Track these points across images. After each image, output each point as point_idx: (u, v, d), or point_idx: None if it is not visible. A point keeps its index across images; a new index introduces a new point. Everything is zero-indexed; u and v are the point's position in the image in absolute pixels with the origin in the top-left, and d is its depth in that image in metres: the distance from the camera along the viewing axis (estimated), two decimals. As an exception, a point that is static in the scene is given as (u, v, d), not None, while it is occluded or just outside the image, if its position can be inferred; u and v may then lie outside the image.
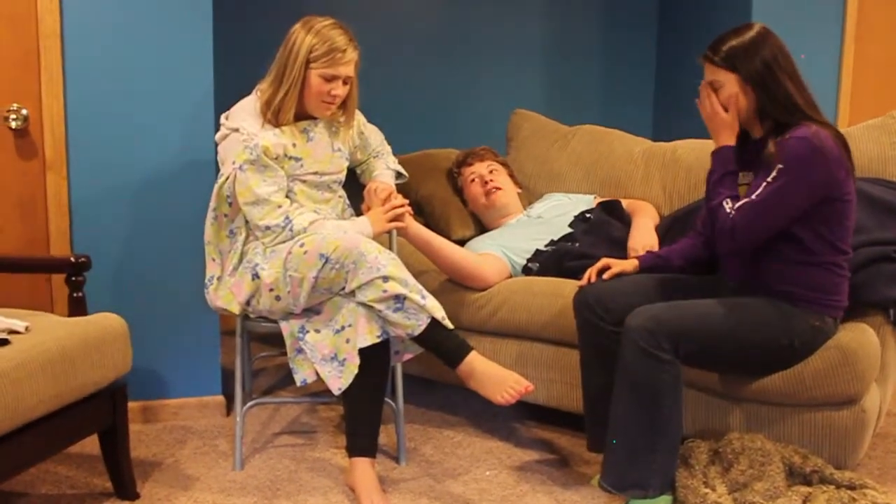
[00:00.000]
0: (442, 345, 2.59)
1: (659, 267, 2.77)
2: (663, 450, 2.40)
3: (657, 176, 3.55)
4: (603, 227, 3.29)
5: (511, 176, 3.63)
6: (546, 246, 3.25)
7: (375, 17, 4.72)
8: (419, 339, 2.57)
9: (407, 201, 2.90)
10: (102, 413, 2.49)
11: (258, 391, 3.56)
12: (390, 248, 3.00)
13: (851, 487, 2.42)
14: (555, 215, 3.42)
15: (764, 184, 2.38)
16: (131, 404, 2.75)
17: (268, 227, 2.67)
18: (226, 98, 2.96)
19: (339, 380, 2.58)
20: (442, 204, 3.58)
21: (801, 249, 2.47)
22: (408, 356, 2.82)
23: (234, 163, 2.67)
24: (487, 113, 4.79)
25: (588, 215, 3.36)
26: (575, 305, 2.69)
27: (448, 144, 3.96)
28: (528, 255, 3.24)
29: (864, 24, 4.57)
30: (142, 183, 3.05)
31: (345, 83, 2.74)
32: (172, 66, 3.03)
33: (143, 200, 3.06)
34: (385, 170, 3.05)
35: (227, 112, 2.81)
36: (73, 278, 2.59)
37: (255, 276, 2.67)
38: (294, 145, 2.75)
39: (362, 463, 2.63)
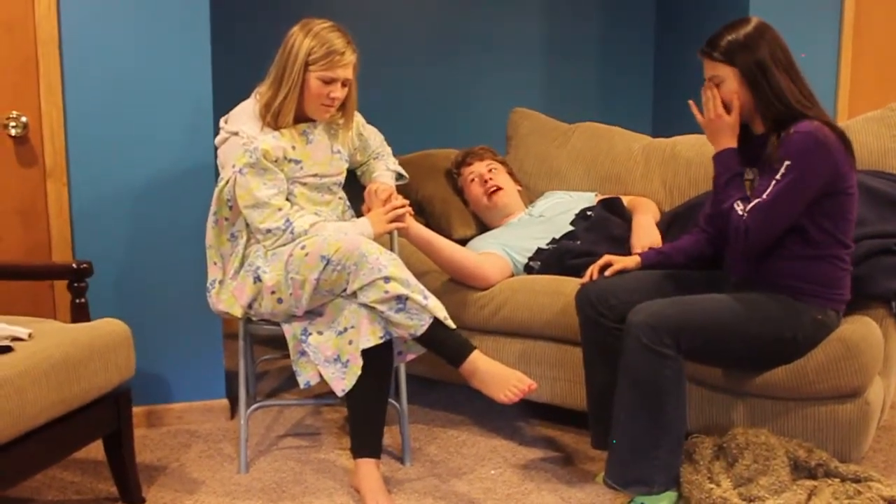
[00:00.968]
0: (445, 344, 2.59)
1: (661, 263, 2.77)
2: (667, 446, 2.40)
3: (657, 172, 3.56)
4: (604, 225, 3.29)
5: (511, 174, 3.63)
6: (548, 244, 3.25)
7: (374, 19, 4.73)
8: (422, 340, 2.58)
9: (407, 202, 2.90)
10: (107, 418, 2.49)
11: (262, 394, 3.56)
12: (391, 249, 3.00)
13: (856, 480, 2.42)
14: (556, 213, 3.42)
15: (773, 182, 2.38)
16: (135, 409, 2.76)
17: (269, 231, 2.68)
18: (225, 102, 2.96)
19: (343, 381, 2.58)
20: (442, 204, 3.58)
21: (804, 243, 2.47)
22: (411, 356, 2.82)
23: (233, 166, 2.68)
24: (487, 112, 4.80)
25: (589, 213, 3.36)
26: (577, 303, 2.69)
27: (448, 144, 3.96)
28: (530, 254, 3.24)
29: (862, 18, 4.57)
30: (142, 188, 3.06)
31: (343, 85, 2.74)
32: (171, 71, 3.03)
33: (144, 205, 3.07)
34: (385, 171, 3.05)
35: (226, 116, 2.81)
36: (76, 284, 2.59)
37: (257, 279, 2.67)
38: (293, 148, 2.75)
39: (367, 464, 2.63)
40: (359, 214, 2.95)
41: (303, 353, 2.68)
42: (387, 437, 2.94)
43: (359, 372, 2.56)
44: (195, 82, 3.06)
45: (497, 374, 2.56)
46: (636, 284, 2.63)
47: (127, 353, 2.50)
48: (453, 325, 2.60)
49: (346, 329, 2.59)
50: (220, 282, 2.80)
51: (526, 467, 2.85)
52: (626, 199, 3.46)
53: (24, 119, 2.94)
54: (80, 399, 2.34)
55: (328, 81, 2.70)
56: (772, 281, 2.52)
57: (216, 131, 2.83)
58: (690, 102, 2.60)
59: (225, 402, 3.26)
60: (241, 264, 2.76)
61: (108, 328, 2.48)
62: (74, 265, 2.59)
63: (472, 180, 3.55)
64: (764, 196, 2.39)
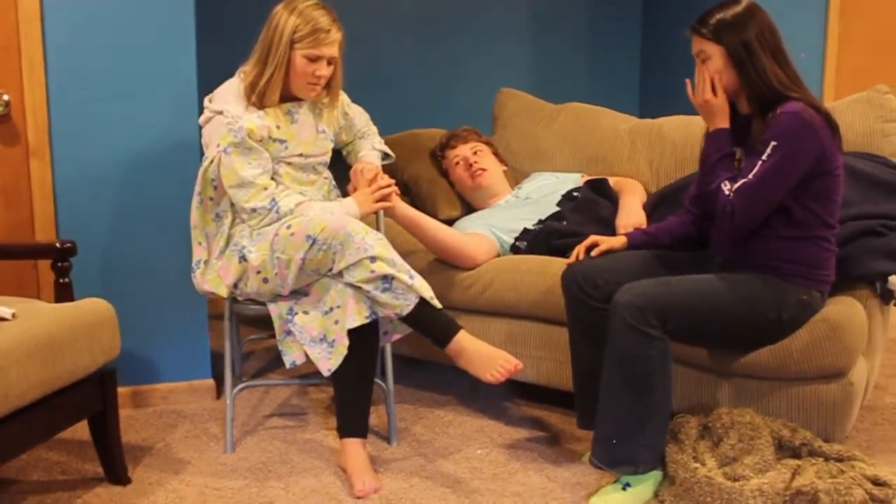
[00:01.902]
0: (431, 324, 2.59)
1: (647, 244, 2.78)
2: (653, 425, 2.40)
3: (644, 153, 3.55)
4: (590, 206, 3.29)
5: (496, 155, 3.62)
6: (534, 225, 3.25)
7: (359, -3, 4.70)
8: (408, 319, 2.57)
9: (393, 181, 2.90)
10: (92, 398, 2.49)
11: (248, 374, 3.55)
12: (377, 229, 3.00)
13: (840, 460, 2.43)
14: (543, 195, 3.42)
15: (759, 162, 2.38)
16: (121, 389, 2.75)
17: (254, 210, 2.67)
18: (209, 81, 2.94)
19: (329, 361, 2.58)
20: (428, 184, 3.57)
21: (789, 224, 2.47)
22: (397, 336, 2.82)
23: (218, 146, 2.66)
24: (473, 92, 4.79)
25: (575, 194, 3.36)
26: (563, 283, 2.69)
27: (434, 124, 3.95)
28: (516, 235, 3.24)
29: (849, -1, 4.57)
30: (126, 167, 3.04)
31: (329, 63, 2.73)
32: (154, 49, 3.01)
33: (128, 185, 3.05)
34: (371, 150, 3.04)
35: (210, 95, 2.79)
36: (59, 264, 2.57)
37: (243, 258, 2.66)
38: (278, 127, 2.74)
39: (353, 443, 2.63)
40: (345, 194, 2.94)
41: (288, 332, 2.67)
42: (373, 417, 2.94)
43: (345, 352, 2.56)
44: (179, 61, 3.03)
45: (483, 354, 2.56)
46: (622, 265, 2.64)
47: (112, 333, 2.49)
48: (439, 305, 2.59)
49: (331, 309, 2.58)
50: (206, 262, 2.79)
51: (512, 447, 2.86)
52: (612, 181, 3.46)
53: (6, 97, 2.91)
54: (65, 379, 2.33)
55: (314, 59, 2.68)
56: (757, 261, 2.52)
57: (201, 110, 2.81)
58: (687, 81, 2.59)
59: (211, 382, 3.25)
60: (227, 244, 2.75)
61: (92, 308, 2.47)
62: (58, 244, 2.58)
63: (457, 163, 3.54)
64: (750, 177, 2.39)
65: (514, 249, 3.23)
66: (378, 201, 2.83)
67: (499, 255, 3.23)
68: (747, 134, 2.50)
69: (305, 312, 2.65)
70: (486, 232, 3.23)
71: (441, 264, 3.16)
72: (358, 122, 3.07)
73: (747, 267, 2.53)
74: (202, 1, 3.20)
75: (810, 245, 2.50)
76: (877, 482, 2.33)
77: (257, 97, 2.70)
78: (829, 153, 2.43)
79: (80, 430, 2.72)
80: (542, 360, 3.02)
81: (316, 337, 2.60)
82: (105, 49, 2.97)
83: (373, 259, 2.49)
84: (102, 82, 2.98)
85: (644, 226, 3.09)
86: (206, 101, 2.78)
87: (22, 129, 2.95)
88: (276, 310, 2.69)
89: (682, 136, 3.46)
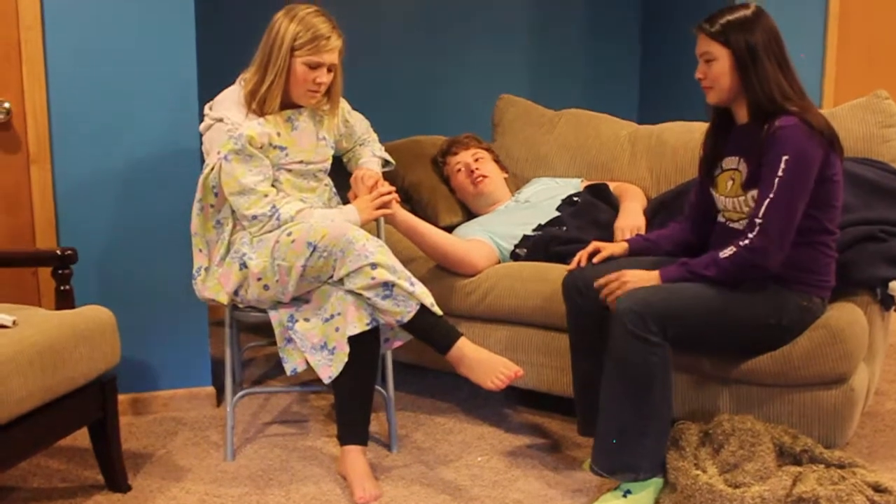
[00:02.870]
0: (431, 331, 2.59)
1: (648, 250, 2.78)
2: (654, 432, 2.40)
3: (644, 158, 3.56)
4: (590, 211, 3.29)
5: (496, 161, 3.62)
6: (534, 231, 3.25)
7: (359, 4, 4.70)
8: (408, 326, 2.57)
9: (394, 188, 2.90)
10: (92, 406, 2.49)
11: (248, 381, 3.55)
12: (378, 236, 2.99)
13: (841, 466, 2.43)
14: (542, 199, 3.42)
15: (776, 178, 2.37)
16: (121, 397, 2.75)
17: (254, 217, 2.67)
18: (210, 88, 2.94)
19: (330, 368, 2.58)
20: (429, 191, 3.57)
21: (789, 230, 2.47)
22: (397, 343, 2.82)
23: (219, 153, 2.66)
24: (473, 98, 4.78)
25: (575, 199, 3.36)
26: (564, 289, 2.69)
27: (434, 131, 3.95)
28: (516, 241, 3.24)
29: (849, 4, 4.57)
30: (127, 174, 3.04)
31: (329, 70, 2.73)
32: (155, 56, 3.01)
33: (129, 192, 3.05)
34: (371, 157, 3.04)
35: (210, 102, 2.80)
36: (60, 271, 2.57)
37: (243, 265, 2.66)
38: (279, 134, 2.74)
39: (354, 451, 2.63)
40: (345, 201, 2.94)
41: (289, 340, 2.67)
42: (373, 425, 2.94)
43: (345, 359, 2.56)
44: (180, 68, 3.04)
45: (484, 360, 2.56)
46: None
47: (112, 341, 2.49)
48: (440, 312, 2.59)
49: (332, 316, 2.58)
50: (206, 269, 2.79)
51: (512, 454, 2.86)
52: (612, 186, 3.46)
53: (6, 105, 2.91)
54: (66, 386, 2.33)
55: (314, 66, 2.68)
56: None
57: (201, 118, 2.82)
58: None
59: (211, 389, 3.25)
60: (227, 251, 2.75)
61: (92, 315, 2.47)
62: (59, 252, 2.58)
63: (459, 170, 3.54)
64: (771, 195, 2.38)
65: (514, 256, 3.23)
66: (378, 208, 2.83)
67: (499, 262, 3.22)
68: (744, 143, 2.51)
69: (306, 320, 2.65)
70: (486, 238, 3.23)
71: (441, 271, 3.16)
72: (358, 129, 3.07)
73: (748, 273, 2.53)
74: (203, 8, 3.20)
75: (811, 251, 2.50)
76: (878, 489, 2.33)
77: (258, 104, 2.70)
78: (830, 159, 2.43)
79: (81, 438, 2.72)
80: (542, 366, 3.02)
81: (317, 344, 2.60)
82: (105, 56, 2.97)
83: (373, 266, 2.49)
84: (103, 89, 2.98)
85: (643, 230, 3.09)
86: (206, 109, 2.79)
87: (23, 136, 2.95)
88: (276, 317, 2.69)
89: (682, 142, 3.46)
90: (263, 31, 2.71)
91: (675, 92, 4.72)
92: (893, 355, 3.67)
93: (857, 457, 2.49)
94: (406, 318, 2.54)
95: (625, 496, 2.43)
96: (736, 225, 2.55)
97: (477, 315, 3.12)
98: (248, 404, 3.28)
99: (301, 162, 2.80)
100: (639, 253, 2.77)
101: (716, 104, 2.57)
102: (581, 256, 2.76)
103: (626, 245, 2.79)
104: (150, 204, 3.06)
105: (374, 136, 3.13)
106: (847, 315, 2.56)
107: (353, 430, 2.65)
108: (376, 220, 2.95)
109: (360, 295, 2.53)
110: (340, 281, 2.55)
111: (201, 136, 2.80)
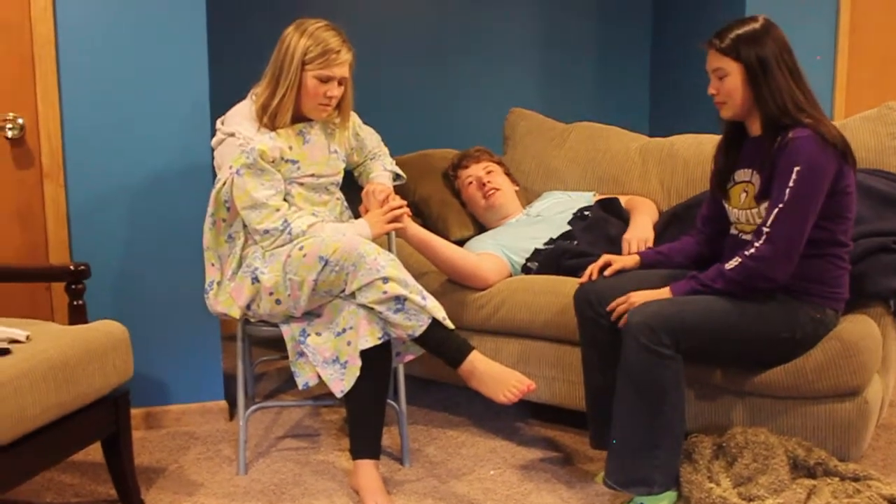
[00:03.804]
0: (443, 345, 2.59)
1: (660, 263, 2.77)
2: (667, 446, 2.39)
3: (655, 171, 3.55)
4: (601, 225, 3.29)
5: (508, 175, 3.63)
6: (545, 244, 3.25)
7: (368, 18, 4.72)
8: (420, 340, 2.57)
9: (405, 202, 2.90)
10: (105, 420, 2.49)
11: (260, 395, 3.55)
12: (389, 250, 3.00)
13: (856, 479, 2.42)
14: (554, 213, 3.42)
15: (787, 189, 2.36)
16: (134, 411, 2.75)
17: (266, 231, 2.67)
18: (221, 103, 2.96)
19: (342, 382, 2.58)
20: (440, 205, 3.57)
21: (802, 242, 2.47)
22: (409, 357, 2.82)
23: (231, 167, 2.67)
24: (484, 111, 4.80)
25: (586, 213, 3.36)
26: (576, 303, 2.69)
27: (445, 144, 3.96)
28: (528, 255, 3.24)
29: (859, 15, 4.57)
30: (139, 189, 3.05)
31: (340, 84, 2.74)
32: (167, 72, 3.03)
33: (141, 207, 3.06)
34: (382, 171, 3.05)
35: (222, 117, 2.81)
36: (73, 286, 2.58)
37: (255, 280, 2.67)
38: (290, 148, 2.75)
39: (366, 465, 2.63)
40: (356, 215, 2.95)
41: (301, 354, 2.67)
42: (386, 438, 2.94)
43: (357, 373, 2.56)
44: (192, 83, 3.05)
45: (496, 374, 2.56)
46: (635, 284, 2.63)
47: (125, 355, 2.50)
48: (452, 326, 2.59)
49: (344, 330, 2.59)
50: (218, 283, 2.80)
51: (525, 468, 2.85)
52: (624, 199, 3.46)
53: (20, 121, 2.94)
54: (79, 401, 2.33)
55: (325, 80, 2.69)
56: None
57: (213, 132, 2.83)
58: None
59: (223, 403, 3.25)
60: (239, 265, 2.76)
61: (105, 330, 2.48)
62: (72, 267, 2.59)
63: (470, 183, 3.54)
64: (782, 205, 2.37)
65: (526, 270, 3.23)
66: (390, 222, 2.84)
67: (510, 276, 3.22)
68: (757, 155, 2.50)
69: (318, 334, 2.65)
70: (497, 252, 3.23)
71: (453, 285, 3.16)
72: (369, 143, 3.08)
73: (760, 286, 2.53)
74: (215, 24, 3.22)
75: (824, 263, 2.50)
76: (894, 501, 2.32)
77: (269, 118, 2.72)
78: (843, 171, 2.43)
79: (94, 453, 2.72)
80: (554, 380, 3.01)
81: (329, 358, 2.60)
82: (118, 72, 2.99)
83: (385, 280, 2.50)
84: (116, 106, 3.00)
85: (651, 241, 3.08)
86: (218, 124, 2.80)
87: (36, 151, 2.96)
88: (288, 331, 2.70)
89: (693, 154, 3.46)
90: (274, 46, 2.72)
91: (685, 104, 4.73)
92: (907, 367, 3.65)
93: (872, 469, 2.48)
94: (418, 332, 2.54)
95: (638, 510, 2.43)
96: (748, 237, 2.54)
97: (489, 328, 3.12)
98: (261, 418, 3.29)
99: (313, 175, 2.81)
100: (651, 266, 2.76)
101: (730, 118, 2.57)
102: (592, 270, 2.76)
103: (637, 258, 2.78)
104: (163, 219, 3.08)
105: (385, 150, 3.13)
106: (861, 327, 2.55)
107: (365, 443, 2.65)
108: (388, 234, 2.95)
109: (372, 309, 2.53)
110: (352, 295, 2.55)
111: (213, 150, 2.81)
